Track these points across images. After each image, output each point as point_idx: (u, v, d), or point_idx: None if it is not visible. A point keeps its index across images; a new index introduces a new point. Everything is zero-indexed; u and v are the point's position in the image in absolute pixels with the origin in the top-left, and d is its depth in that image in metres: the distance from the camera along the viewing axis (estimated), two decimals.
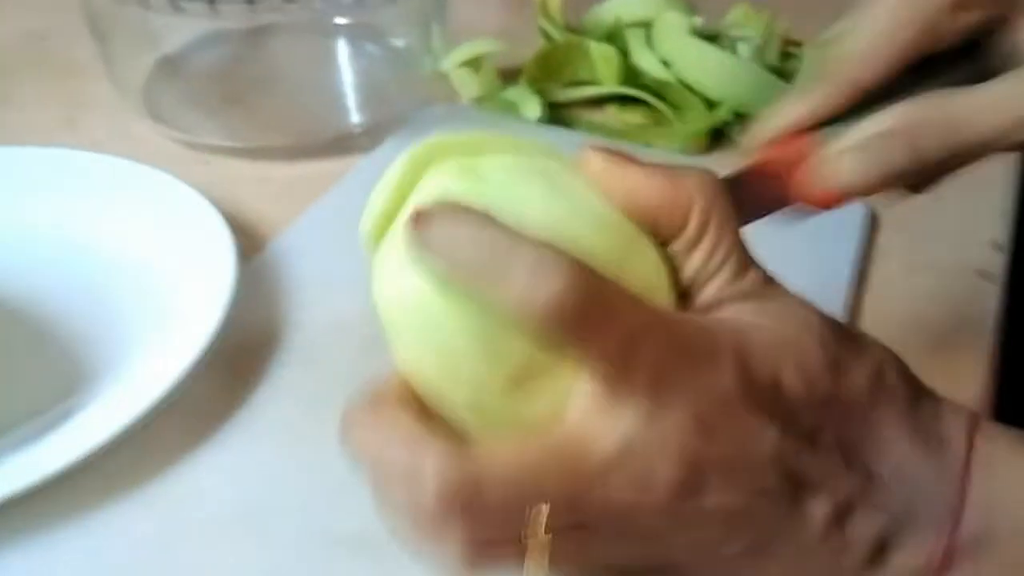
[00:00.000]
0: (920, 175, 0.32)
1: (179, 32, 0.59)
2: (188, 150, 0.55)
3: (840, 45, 0.32)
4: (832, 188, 0.31)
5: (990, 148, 0.31)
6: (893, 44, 0.31)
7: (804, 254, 0.46)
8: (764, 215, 0.32)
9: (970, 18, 0.32)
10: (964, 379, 0.41)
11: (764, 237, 0.50)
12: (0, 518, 0.34)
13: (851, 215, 0.49)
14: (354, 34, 0.61)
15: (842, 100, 0.31)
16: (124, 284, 0.44)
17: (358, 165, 0.53)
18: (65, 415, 0.37)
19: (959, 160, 0.32)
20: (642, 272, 0.26)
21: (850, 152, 0.31)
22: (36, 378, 0.40)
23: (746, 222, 0.31)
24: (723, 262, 0.26)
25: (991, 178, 0.51)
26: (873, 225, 0.49)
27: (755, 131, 0.32)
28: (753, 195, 0.31)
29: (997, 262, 0.47)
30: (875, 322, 0.43)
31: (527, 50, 0.57)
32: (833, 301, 0.43)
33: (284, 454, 0.37)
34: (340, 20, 0.60)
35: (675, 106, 0.55)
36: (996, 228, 0.49)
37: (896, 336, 0.42)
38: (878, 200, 0.37)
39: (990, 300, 0.45)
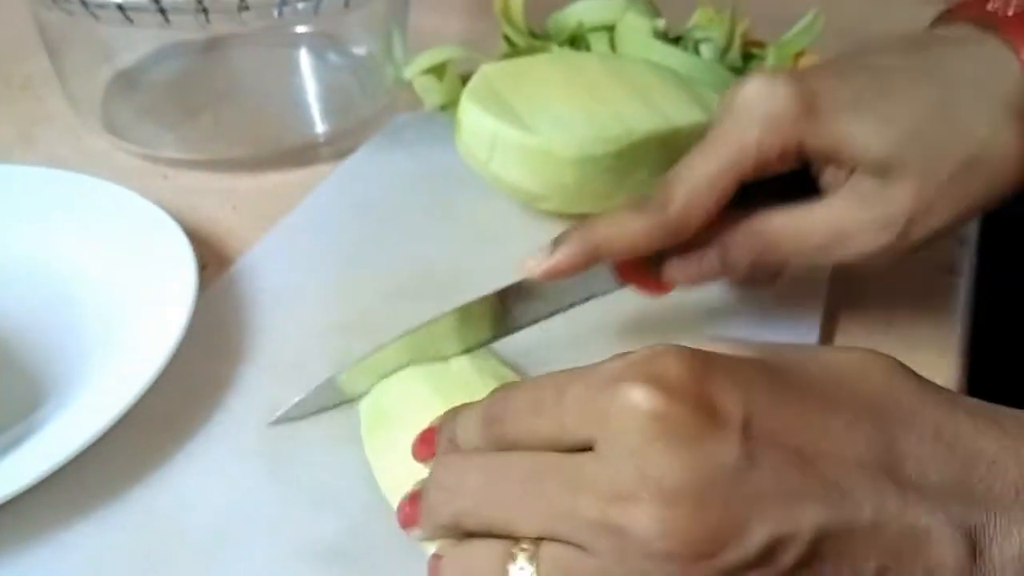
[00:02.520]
0: (746, 276, 0.39)
1: (135, 45, 0.59)
2: (148, 164, 0.54)
3: (667, 186, 0.36)
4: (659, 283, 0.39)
5: (798, 262, 0.37)
6: (710, 195, 0.36)
7: None
8: (599, 295, 0.39)
9: (777, 169, 0.36)
10: (935, 374, 0.40)
11: None
12: None
13: None
14: (314, 43, 0.61)
15: (663, 239, 0.37)
16: (85, 300, 0.43)
17: (325, 175, 0.53)
18: (27, 432, 0.36)
19: (776, 267, 0.39)
20: None
21: (678, 259, 0.38)
22: None
23: (582, 300, 0.39)
24: None
25: None
26: None
27: (592, 238, 0.37)
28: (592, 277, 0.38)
29: (962, 256, 0.47)
30: (850, 321, 0.44)
31: (490, 56, 0.56)
32: (810, 303, 0.43)
33: (254, 465, 0.36)
34: (299, 29, 0.60)
35: None
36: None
37: (866, 333, 0.42)
38: None
39: (956, 294, 0.45)
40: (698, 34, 0.58)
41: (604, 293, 0.39)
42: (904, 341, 0.42)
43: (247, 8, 0.47)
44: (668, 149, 0.47)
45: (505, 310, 0.39)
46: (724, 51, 0.57)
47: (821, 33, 0.58)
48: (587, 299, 0.39)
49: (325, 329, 0.43)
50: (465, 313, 0.38)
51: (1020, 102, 0.35)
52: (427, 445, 0.32)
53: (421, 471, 0.33)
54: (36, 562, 0.33)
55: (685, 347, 0.27)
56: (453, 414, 0.31)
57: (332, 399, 0.38)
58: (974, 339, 0.43)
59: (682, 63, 0.54)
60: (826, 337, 0.43)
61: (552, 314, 0.39)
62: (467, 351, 0.39)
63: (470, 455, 0.29)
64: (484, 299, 0.39)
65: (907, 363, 0.40)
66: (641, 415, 0.25)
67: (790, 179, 0.37)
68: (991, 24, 0.36)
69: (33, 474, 0.33)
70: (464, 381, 0.37)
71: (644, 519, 0.24)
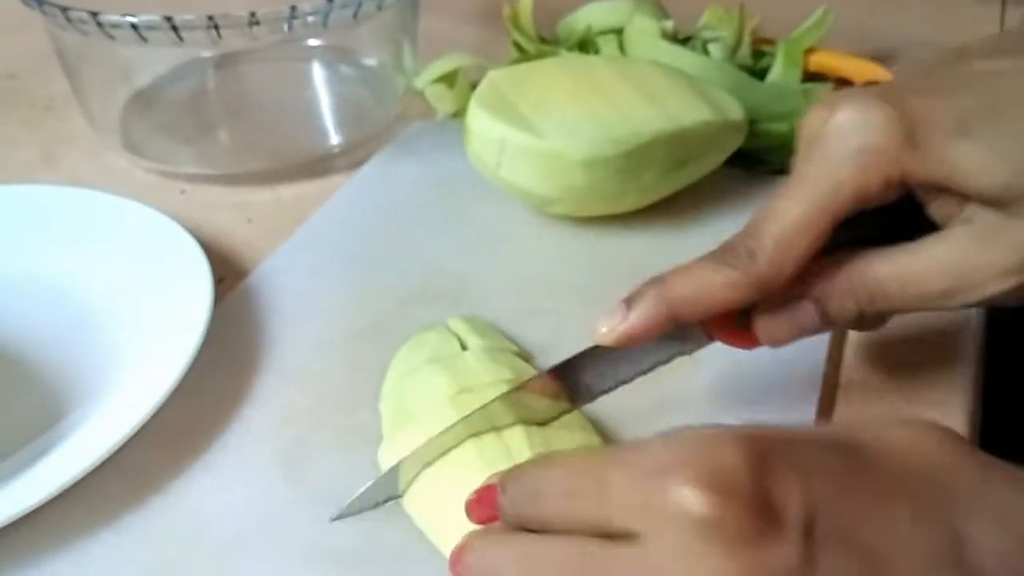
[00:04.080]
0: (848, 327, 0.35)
1: (151, 65, 0.60)
2: (166, 180, 0.55)
3: (753, 235, 0.32)
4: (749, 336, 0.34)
5: (912, 310, 0.33)
6: (803, 240, 0.32)
7: None
8: (686, 353, 0.35)
9: (877, 204, 0.32)
10: (951, 384, 0.40)
11: None
12: None
13: None
14: (325, 56, 0.62)
15: (752, 293, 0.32)
16: (104, 315, 0.44)
17: (340, 186, 0.53)
18: (48, 445, 0.37)
19: (884, 316, 0.35)
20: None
21: (769, 315, 0.33)
22: (16, 413, 0.39)
23: (667, 360, 0.35)
24: None
25: None
26: None
27: (668, 294, 0.32)
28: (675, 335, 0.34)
29: None
30: (863, 335, 0.42)
31: (500, 63, 0.57)
32: None
33: (270, 472, 0.37)
34: (310, 43, 0.61)
35: None
36: None
37: (883, 346, 0.42)
38: None
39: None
40: (707, 34, 0.58)
41: (688, 352, 0.35)
42: (920, 329, 0.42)
43: (258, 23, 0.48)
44: (677, 149, 0.47)
45: (574, 382, 0.35)
46: (733, 50, 0.57)
47: (830, 29, 0.58)
48: (669, 359, 0.35)
49: (340, 337, 0.43)
50: (520, 396, 0.35)
51: None
52: (482, 506, 0.29)
53: (444, 471, 0.33)
54: (59, 570, 0.33)
55: (741, 433, 0.24)
56: (511, 478, 0.29)
57: (389, 492, 0.35)
58: (989, 335, 0.43)
59: (691, 64, 0.54)
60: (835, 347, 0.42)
61: (632, 378, 0.35)
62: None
63: (507, 539, 0.28)
64: (539, 377, 0.35)
65: (923, 374, 0.39)
66: (695, 518, 0.23)
67: (891, 209, 0.32)
68: None
69: (55, 485, 0.34)
70: (483, 378, 0.37)
71: None
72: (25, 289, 0.46)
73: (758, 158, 0.52)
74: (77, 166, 0.58)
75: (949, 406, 0.39)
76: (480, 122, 0.47)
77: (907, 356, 0.41)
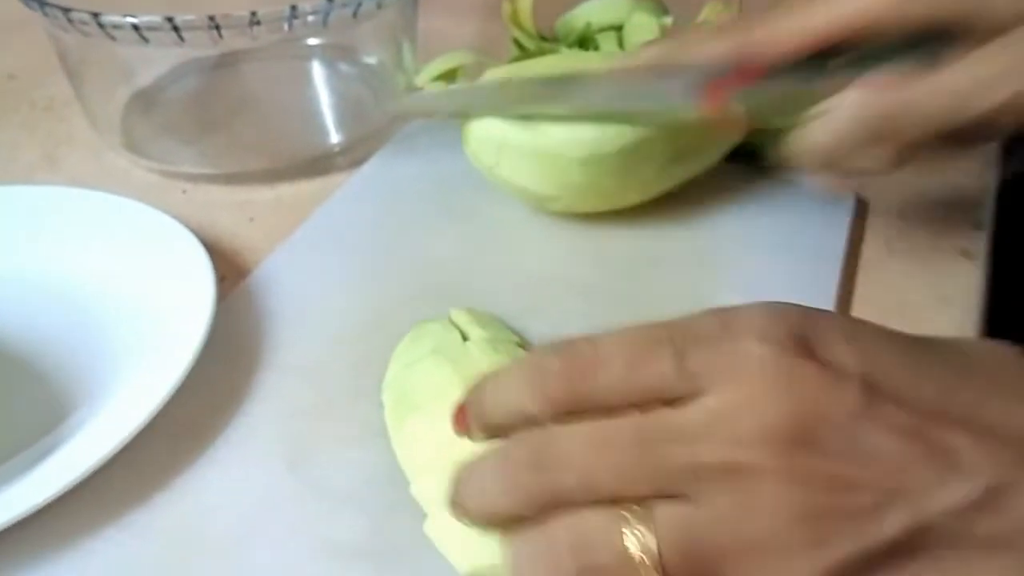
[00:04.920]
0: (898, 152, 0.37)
1: (152, 65, 0.60)
2: (167, 179, 0.56)
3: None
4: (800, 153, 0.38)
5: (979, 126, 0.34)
6: (865, 13, 0.36)
7: (796, 238, 0.47)
8: None
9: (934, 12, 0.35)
10: None
11: (758, 225, 0.50)
12: None
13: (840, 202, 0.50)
14: (325, 54, 0.62)
15: (803, 48, 0.37)
16: (108, 314, 0.44)
17: (340, 184, 0.54)
18: (52, 446, 0.37)
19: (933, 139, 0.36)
20: None
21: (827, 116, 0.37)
22: (21, 413, 0.40)
23: None
24: None
25: (973, 158, 0.52)
26: (861, 210, 0.50)
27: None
28: None
29: (978, 240, 0.47)
30: (863, 303, 0.44)
31: (500, 60, 0.57)
32: (825, 283, 0.44)
33: (275, 468, 0.37)
34: (310, 41, 0.61)
35: None
36: (978, 208, 0.49)
37: (882, 316, 0.42)
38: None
39: (972, 278, 0.45)
40: None
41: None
42: (918, 326, 0.42)
43: (258, 23, 0.48)
44: (675, 144, 0.47)
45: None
46: None
47: None
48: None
49: (341, 334, 0.43)
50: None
51: None
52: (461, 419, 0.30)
53: (447, 455, 0.33)
54: (64, 568, 0.34)
55: (793, 306, 0.27)
56: (493, 388, 0.30)
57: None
58: (990, 325, 0.43)
59: None
60: None
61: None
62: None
63: (563, 430, 0.27)
64: None
65: None
66: (759, 365, 0.25)
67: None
68: None
69: (61, 484, 0.34)
70: (486, 368, 0.37)
71: (764, 461, 0.24)
72: (28, 290, 0.46)
73: (757, 152, 0.52)
74: (78, 167, 0.58)
75: None
76: (477, 121, 0.47)
77: (914, 298, 0.43)
